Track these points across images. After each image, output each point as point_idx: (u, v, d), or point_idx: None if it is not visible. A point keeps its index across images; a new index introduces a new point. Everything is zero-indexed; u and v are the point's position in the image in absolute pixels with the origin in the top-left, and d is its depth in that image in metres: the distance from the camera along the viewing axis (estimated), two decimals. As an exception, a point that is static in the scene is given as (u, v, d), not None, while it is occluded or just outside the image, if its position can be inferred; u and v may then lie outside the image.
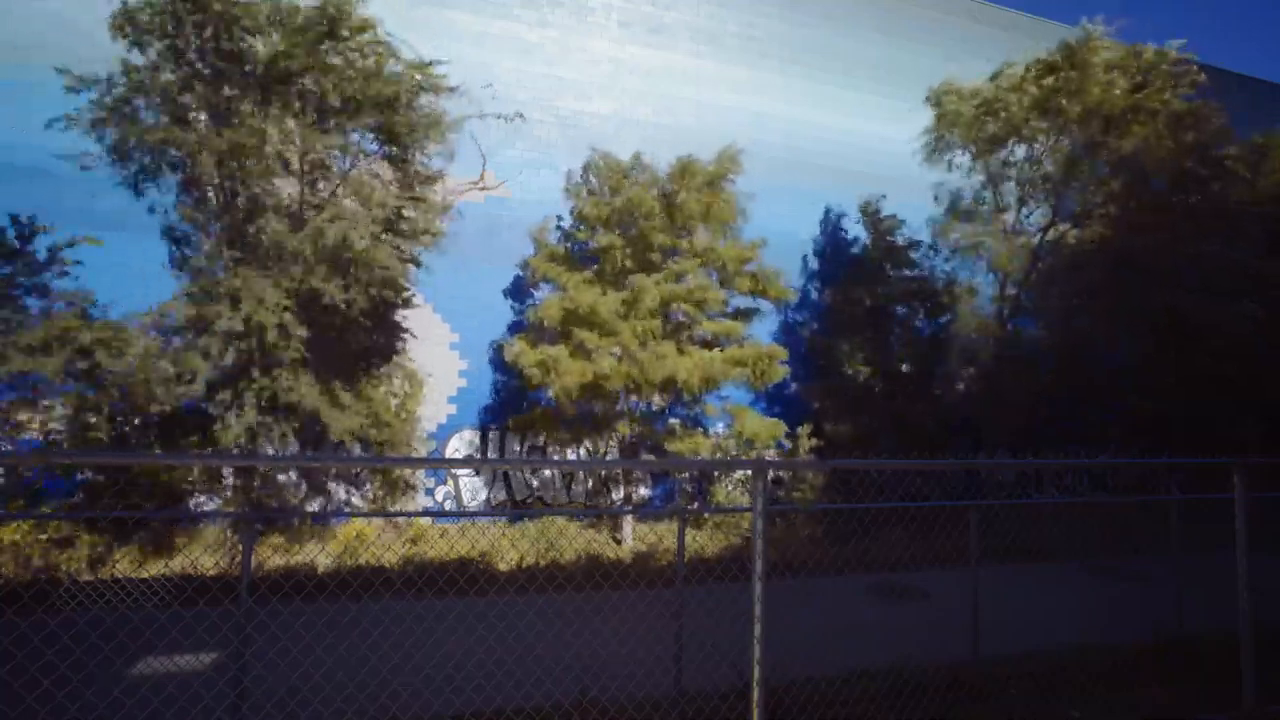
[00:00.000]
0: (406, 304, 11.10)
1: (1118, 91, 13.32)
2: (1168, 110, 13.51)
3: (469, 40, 14.08)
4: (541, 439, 13.28)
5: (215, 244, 9.37)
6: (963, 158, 14.82)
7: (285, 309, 8.86)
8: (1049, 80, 13.67)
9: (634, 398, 11.65)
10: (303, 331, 9.05)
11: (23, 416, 9.00)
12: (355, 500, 11.30)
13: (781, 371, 12.02)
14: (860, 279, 15.37)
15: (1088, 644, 5.95)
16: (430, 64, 10.12)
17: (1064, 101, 13.40)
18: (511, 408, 13.29)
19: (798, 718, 4.22)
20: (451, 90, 10.25)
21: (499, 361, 12.96)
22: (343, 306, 9.36)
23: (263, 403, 9.10)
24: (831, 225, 17.11)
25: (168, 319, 9.20)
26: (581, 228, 12.35)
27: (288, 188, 9.66)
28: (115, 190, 9.61)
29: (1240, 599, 3.58)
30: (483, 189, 12.66)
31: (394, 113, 9.71)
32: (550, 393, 11.17)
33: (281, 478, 10.29)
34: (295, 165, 9.56)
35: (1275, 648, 3.78)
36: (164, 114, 9.11)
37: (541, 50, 14.85)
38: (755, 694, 2.54)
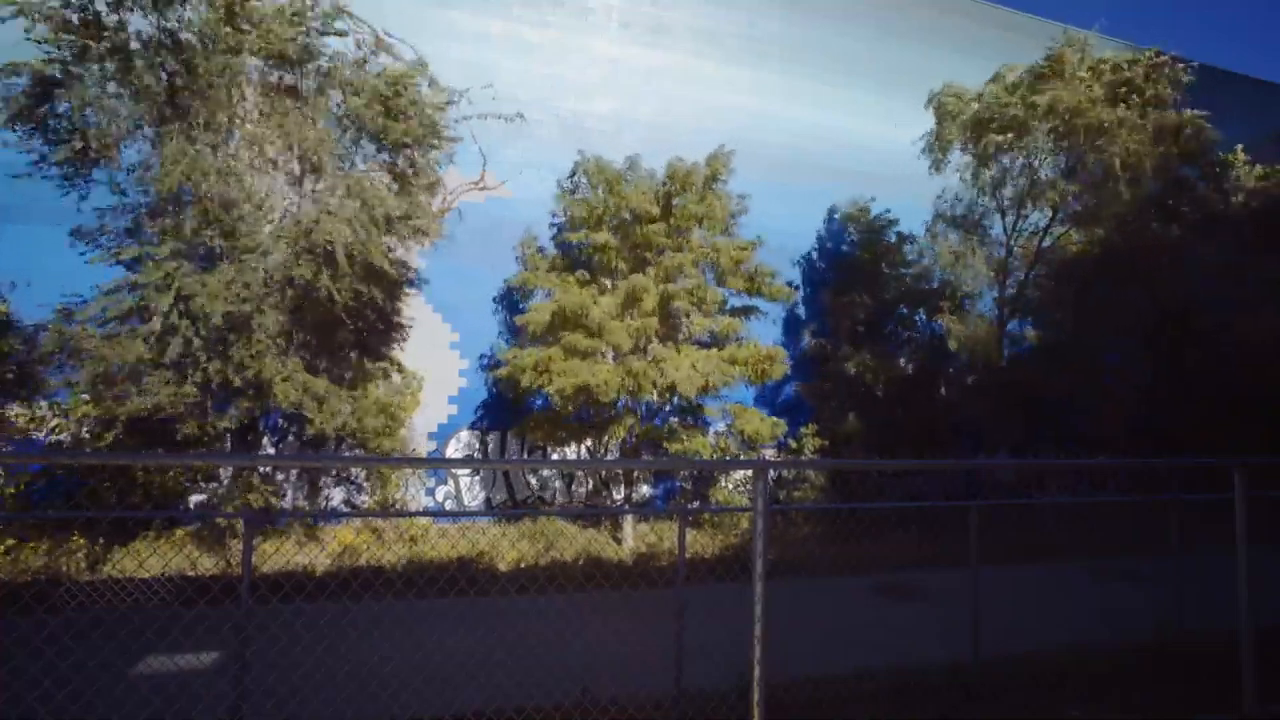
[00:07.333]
0: (396, 298, 10.80)
1: (1096, 100, 13.03)
2: (1155, 121, 13.42)
3: (469, 40, 14.08)
4: (539, 441, 13.29)
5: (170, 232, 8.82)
6: (964, 158, 14.76)
7: (242, 299, 8.47)
8: (1035, 88, 13.42)
9: (631, 399, 11.65)
10: (273, 320, 8.76)
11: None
12: (354, 501, 11.31)
13: (782, 369, 12.02)
14: (859, 280, 15.39)
15: (1088, 644, 5.95)
16: (424, 66, 9.97)
17: (1046, 111, 13.10)
18: (508, 414, 13.34)
19: (798, 718, 4.22)
20: (436, 86, 10.07)
21: (493, 368, 12.98)
22: (327, 299, 9.04)
23: (214, 385, 8.75)
24: (831, 226, 17.14)
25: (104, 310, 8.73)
26: (575, 231, 12.37)
27: (266, 182, 9.28)
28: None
29: (1240, 599, 3.58)
30: (483, 189, 12.66)
31: (388, 114, 9.58)
32: (549, 392, 11.16)
33: (280, 477, 10.27)
34: (281, 160, 9.32)
35: (1275, 648, 3.77)
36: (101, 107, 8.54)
37: (541, 50, 14.84)
38: (755, 694, 2.54)
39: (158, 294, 8.42)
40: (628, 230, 11.94)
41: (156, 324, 8.39)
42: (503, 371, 11.57)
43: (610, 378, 10.78)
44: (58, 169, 8.85)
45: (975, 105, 14.11)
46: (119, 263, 9.00)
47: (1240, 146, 16.55)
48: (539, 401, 12.30)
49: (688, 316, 11.94)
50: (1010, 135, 13.59)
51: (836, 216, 16.91)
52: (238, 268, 8.62)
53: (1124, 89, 13.28)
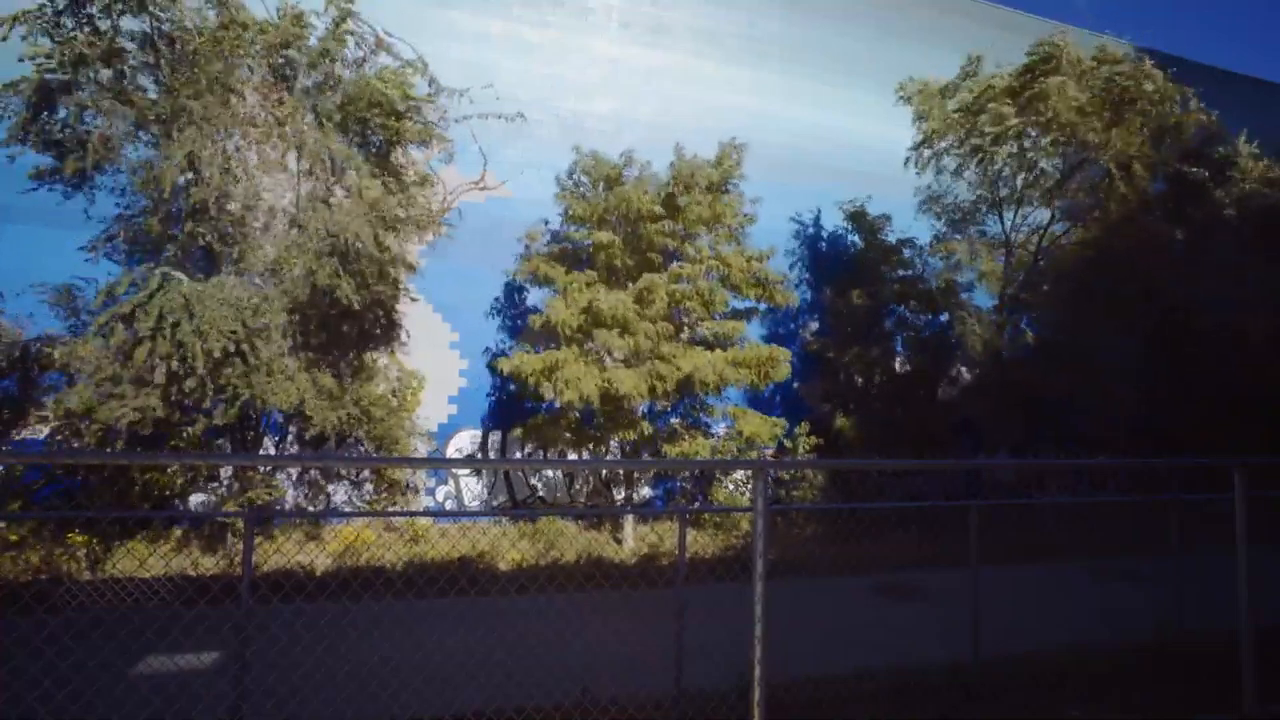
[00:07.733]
0: (395, 298, 10.80)
1: (1089, 114, 12.96)
2: (1155, 122, 13.34)
3: (469, 40, 14.08)
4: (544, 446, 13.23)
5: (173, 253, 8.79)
6: (949, 161, 14.72)
7: (243, 321, 8.37)
8: (1026, 87, 13.26)
9: (646, 402, 11.61)
10: (279, 321, 8.74)
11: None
12: (355, 501, 11.29)
13: (785, 370, 12.01)
14: (857, 279, 15.39)
15: (1088, 644, 5.95)
16: (418, 65, 9.95)
17: (1038, 112, 13.01)
18: (511, 414, 13.28)
19: (798, 718, 4.23)
20: (428, 87, 10.07)
21: (495, 369, 12.93)
22: (341, 298, 9.02)
23: (211, 395, 8.60)
24: (829, 225, 17.12)
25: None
26: (575, 229, 12.34)
27: (268, 182, 9.25)
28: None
29: (1240, 599, 3.58)
30: (483, 189, 12.63)
31: (383, 113, 9.59)
32: (557, 402, 11.10)
33: (281, 475, 10.26)
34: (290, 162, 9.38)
35: (1275, 648, 3.77)
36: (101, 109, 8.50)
37: (541, 50, 14.84)
38: (755, 694, 2.54)
39: (145, 317, 8.19)
40: (631, 228, 11.90)
41: (154, 353, 8.25)
42: (504, 366, 11.48)
43: (634, 381, 10.73)
44: (58, 175, 8.87)
45: (953, 100, 13.97)
46: (111, 266, 9.03)
47: (1243, 136, 16.46)
48: (546, 406, 12.24)
49: (689, 315, 11.95)
50: (1008, 143, 13.61)
51: (838, 215, 16.90)
52: (239, 294, 8.49)
53: (1120, 95, 13.24)
